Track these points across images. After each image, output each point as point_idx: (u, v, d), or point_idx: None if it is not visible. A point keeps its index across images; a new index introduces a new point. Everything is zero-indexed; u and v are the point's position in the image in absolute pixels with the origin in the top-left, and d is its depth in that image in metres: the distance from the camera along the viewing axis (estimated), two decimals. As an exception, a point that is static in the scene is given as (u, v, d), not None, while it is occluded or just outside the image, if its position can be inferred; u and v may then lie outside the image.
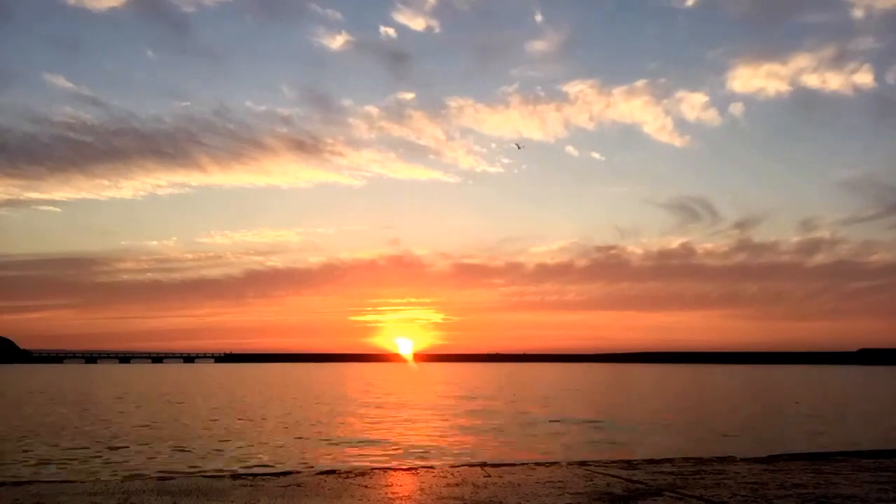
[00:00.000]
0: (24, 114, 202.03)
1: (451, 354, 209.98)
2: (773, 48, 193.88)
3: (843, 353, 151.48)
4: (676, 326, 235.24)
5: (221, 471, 10.24)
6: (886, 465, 6.16)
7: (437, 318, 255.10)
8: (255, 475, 5.60)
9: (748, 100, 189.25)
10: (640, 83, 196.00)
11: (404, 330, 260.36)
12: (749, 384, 45.75)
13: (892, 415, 23.81)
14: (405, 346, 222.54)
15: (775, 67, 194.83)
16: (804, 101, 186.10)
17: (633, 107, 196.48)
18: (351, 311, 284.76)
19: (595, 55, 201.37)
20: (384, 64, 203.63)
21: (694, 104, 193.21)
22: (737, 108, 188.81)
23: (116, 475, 9.59)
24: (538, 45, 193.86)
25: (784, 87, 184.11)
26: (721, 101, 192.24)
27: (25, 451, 12.78)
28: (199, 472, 10.02)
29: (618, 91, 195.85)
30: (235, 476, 5.52)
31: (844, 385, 45.49)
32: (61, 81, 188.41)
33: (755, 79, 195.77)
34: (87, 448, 13.22)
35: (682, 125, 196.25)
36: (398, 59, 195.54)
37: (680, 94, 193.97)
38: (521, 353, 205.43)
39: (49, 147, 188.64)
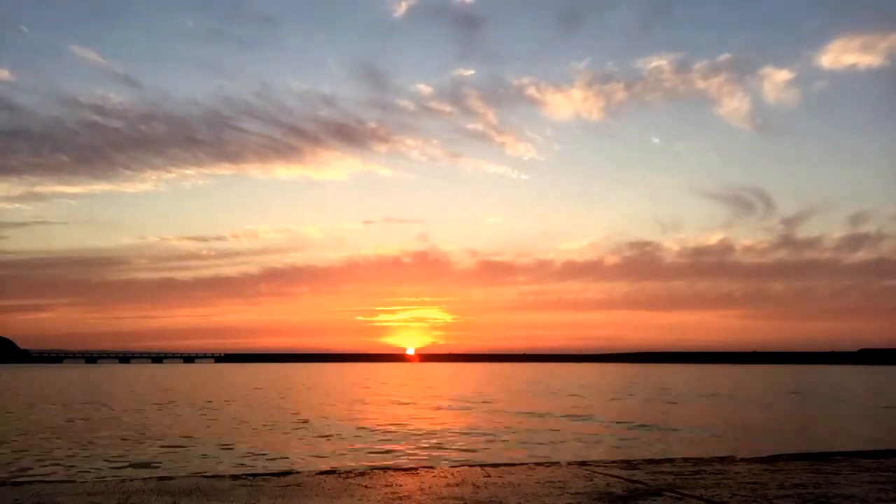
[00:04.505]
0: (51, 94, 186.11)
1: (451, 354, 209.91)
2: (879, 16, 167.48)
3: (843, 352, 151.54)
4: (685, 326, 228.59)
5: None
6: (886, 465, 6.16)
7: (448, 317, 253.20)
8: (255, 475, 5.59)
9: (835, 77, 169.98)
10: (724, 58, 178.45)
11: (412, 329, 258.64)
12: (742, 385, 45.74)
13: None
14: (410, 346, 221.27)
15: (875, 39, 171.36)
16: None
17: (710, 85, 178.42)
18: (361, 310, 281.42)
19: (681, 25, 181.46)
20: (449, 34, 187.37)
21: (776, 83, 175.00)
22: (820, 87, 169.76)
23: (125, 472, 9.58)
24: (622, 14, 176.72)
25: (878, 62, 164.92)
26: (805, 79, 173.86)
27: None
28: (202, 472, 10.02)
29: (698, 67, 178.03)
30: (235, 476, 5.52)
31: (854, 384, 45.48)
32: (93, 56, 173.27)
33: (849, 53, 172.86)
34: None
35: (757, 107, 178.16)
36: (468, 26, 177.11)
37: (765, 70, 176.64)
38: (523, 353, 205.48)
39: (75, 133, 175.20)
